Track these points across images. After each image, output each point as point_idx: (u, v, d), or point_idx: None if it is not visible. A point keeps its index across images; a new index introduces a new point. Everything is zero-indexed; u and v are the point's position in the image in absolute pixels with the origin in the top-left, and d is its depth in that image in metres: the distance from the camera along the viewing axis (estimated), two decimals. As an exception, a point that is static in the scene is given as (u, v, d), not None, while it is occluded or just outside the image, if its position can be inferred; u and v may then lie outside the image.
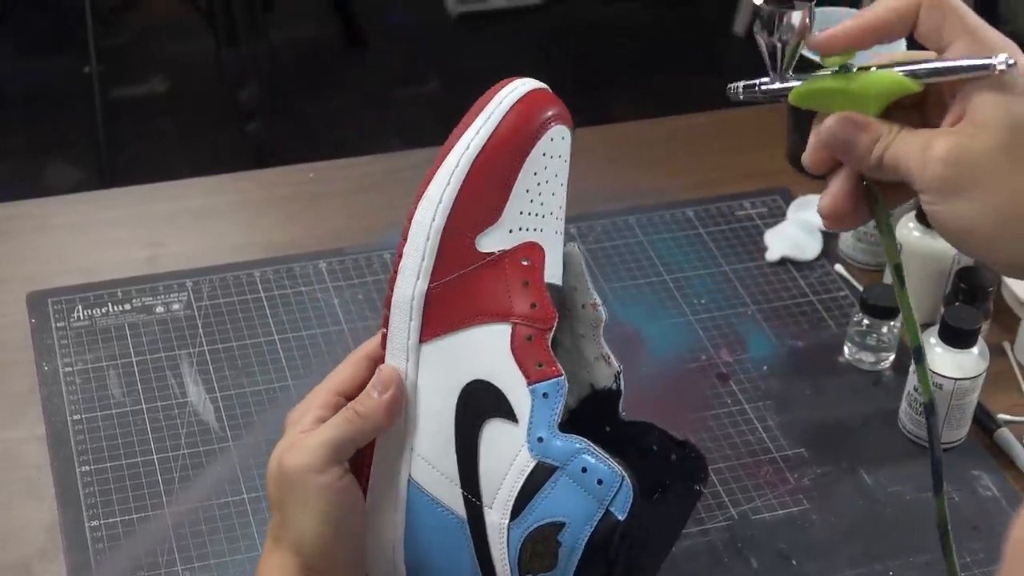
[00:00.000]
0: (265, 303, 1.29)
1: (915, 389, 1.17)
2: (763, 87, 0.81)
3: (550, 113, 0.85)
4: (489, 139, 0.84)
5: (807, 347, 1.28)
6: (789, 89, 0.80)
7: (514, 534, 0.82)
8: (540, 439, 0.81)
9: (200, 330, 1.26)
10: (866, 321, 1.23)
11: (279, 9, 3.31)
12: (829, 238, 1.39)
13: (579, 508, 0.80)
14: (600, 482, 0.80)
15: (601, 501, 0.80)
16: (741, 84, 0.82)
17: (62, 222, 1.38)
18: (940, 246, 1.26)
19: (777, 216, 1.42)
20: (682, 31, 3.49)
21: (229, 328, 1.26)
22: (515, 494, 0.82)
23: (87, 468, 1.13)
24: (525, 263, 0.84)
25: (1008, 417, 1.20)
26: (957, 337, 1.13)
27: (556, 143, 0.86)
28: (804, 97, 0.79)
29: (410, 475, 0.86)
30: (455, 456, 0.84)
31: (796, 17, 0.78)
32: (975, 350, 1.14)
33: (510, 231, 0.85)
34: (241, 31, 2.64)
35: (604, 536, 0.80)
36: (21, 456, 1.15)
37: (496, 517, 0.83)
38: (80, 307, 1.27)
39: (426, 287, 0.85)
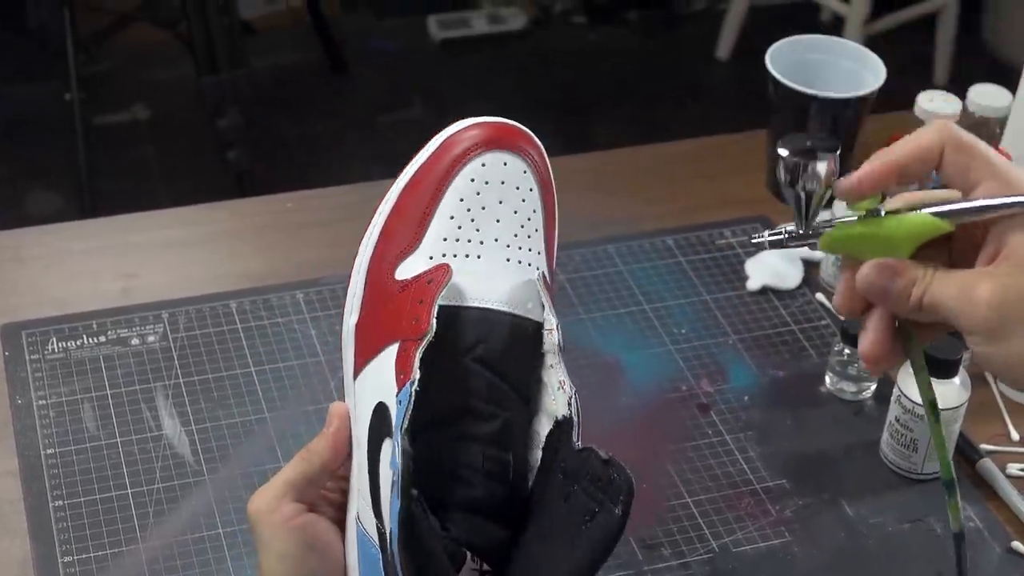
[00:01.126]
0: (242, 334, 1.28)
1: (896, 420, 1.16)
2: (790, 236, 0.80)
3: (482, 140, 0.85)
4: (415, 171, 0.85)
5: (788, 377, 1.27)
6: (818, 236, 0.79)
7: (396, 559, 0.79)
8: (392, 450, 0.79)
9: (176, 362, 1.25)
10: (847, 351, 1.23)
11: (259, 35, 3.31)
12: (810, 267, 1.38)
13: (395, 513, 0.77)
14: (395, 483, 0.77)
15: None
16: (767, 235, 0.81)
17: (36, 253, 1.37)
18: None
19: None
20: (665, 56, 3.50)
21: (205, 360, 1.25)
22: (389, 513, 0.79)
23: (60, 503, 1.12)
24: (428, 283, 0.83)
25: (990, 447, 1.20)
26: (939, 367, 1.12)
27: (491, 168, 0.85)
28: (834, 244, 0.79)
29: (356, 513, 0.85)
30: (368, 485, 0.83)
31: (822, 167, 0.77)
32: (957, 380, 1.14)
33: (430, 257, 0.85)
34: (221, 57, 2.63)
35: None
36: (-7, 491, 1.13)
37: (394, 543, 0.80)
38: (55, 339, 1.26)
39: (355, 321, 0.85)
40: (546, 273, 0.88)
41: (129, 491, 1.13)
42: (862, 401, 1.25)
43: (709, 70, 3.44)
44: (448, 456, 0.82)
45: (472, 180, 0.85)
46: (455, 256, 0.84)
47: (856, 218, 0.78)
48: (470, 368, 0.83)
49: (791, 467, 1.19)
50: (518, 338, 0.85)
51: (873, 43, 3.12)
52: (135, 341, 1.27)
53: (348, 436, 0.85)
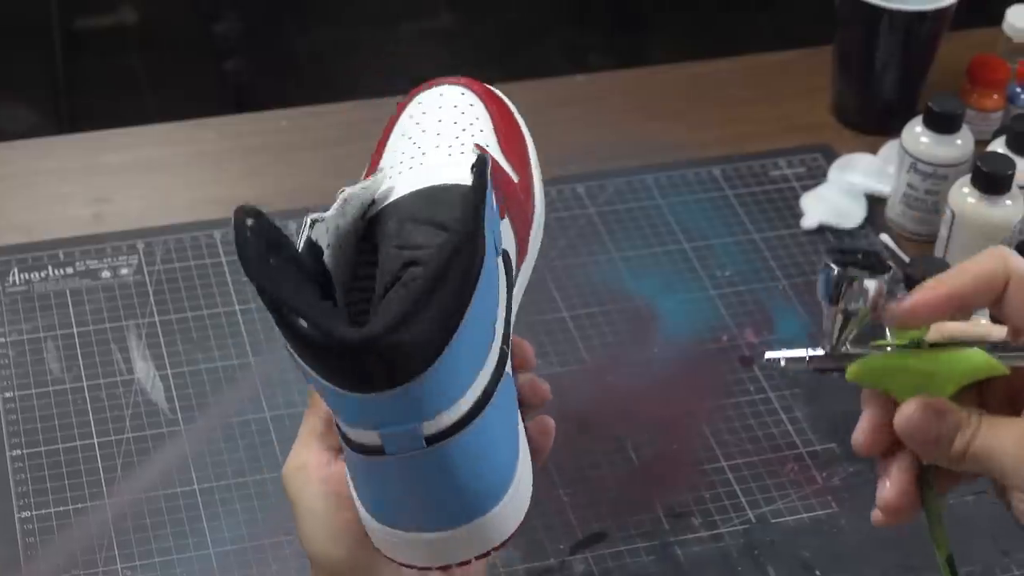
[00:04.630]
0: (226, 268, 1.31)
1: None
2: (814, 359, 0.79)
3: (422, 87, 0.93)
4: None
5: (844, 328, 1.29)
6: (845, 361, 0.78)
7: None
8: None
9: (151, 298, 1.28)
10: (911, 299, 1.24)
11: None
12: (875, 204, 1.40)
13: None
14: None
15: None
16: (783, 355, 0.79)
17: (-2, 173, 1.40)
18: (998, 214, 1.27)
19: (817, 177, 1.43)
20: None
21: (184, 296, 1.28)
22: None
23: (18, 452, 1.16)
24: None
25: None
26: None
27: (427, 100, 0.92)
28: (866, 374, 0.77)
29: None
30: None
31: (872, 286, 0.75)
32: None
33: None
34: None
35: None
36: (-56, 438, 1.17)
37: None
38: (16, 270, 1.30)
39: None
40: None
41: (95, 441, 1.17)
42: (927, 357, 1.26)
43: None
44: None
45: (410, 117, 0.92)
46: (399, 174, 0.88)
47: (891, 348, 0.77)
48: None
49: (842, 430, 1.20)
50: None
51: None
52: (106, 274, 1.30)
53: None
